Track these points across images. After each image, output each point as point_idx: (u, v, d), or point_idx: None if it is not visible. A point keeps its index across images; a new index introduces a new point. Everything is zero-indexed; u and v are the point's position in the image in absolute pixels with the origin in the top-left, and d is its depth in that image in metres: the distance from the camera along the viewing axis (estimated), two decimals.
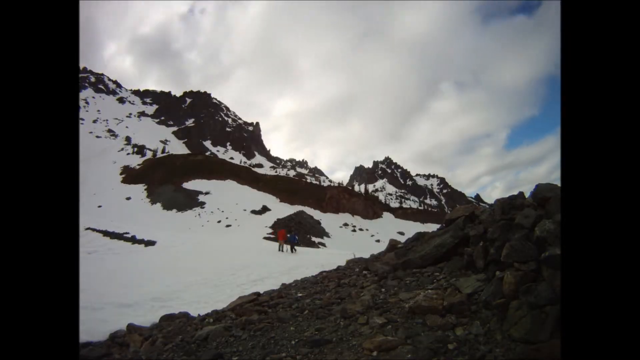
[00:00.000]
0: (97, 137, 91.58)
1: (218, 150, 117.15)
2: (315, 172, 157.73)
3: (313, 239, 41.96)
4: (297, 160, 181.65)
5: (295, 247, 19.32)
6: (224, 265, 13.11)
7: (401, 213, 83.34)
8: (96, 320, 6.10)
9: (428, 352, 2.75)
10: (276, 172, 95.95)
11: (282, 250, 18.59)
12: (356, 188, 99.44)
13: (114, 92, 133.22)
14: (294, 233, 21.91)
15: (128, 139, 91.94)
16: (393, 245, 7.11)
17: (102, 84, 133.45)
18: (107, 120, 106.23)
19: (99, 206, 49.47)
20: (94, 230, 21.29)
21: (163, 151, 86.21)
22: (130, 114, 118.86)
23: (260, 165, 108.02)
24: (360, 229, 59.84)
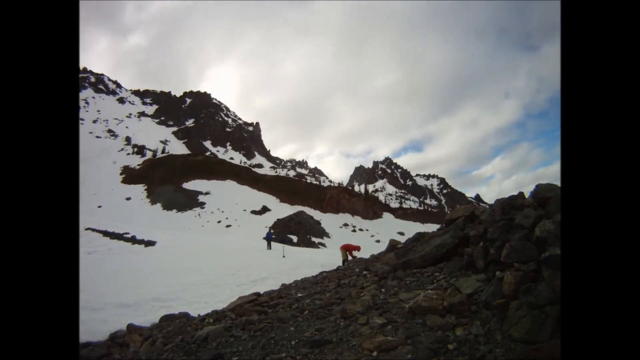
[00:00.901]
0: (97, 137, 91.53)
1: (218, 151, 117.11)
2: (315, 172, 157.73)
3: (313, 239, 41.96)
4: (297, 160, 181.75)
5: (271, 245, 19.91)
6: (224, 266, 13.11)
7: (401, 213, 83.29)
8: (96, 320, 6.10)
9: (428, 352, 2.75)
10: (276, 172, 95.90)
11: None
12: (356, 188, 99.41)
13: (114, 92, 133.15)
14: (271, 231, 22.39)
15: (128, 139, 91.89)
16: (393, 245, 7.12)
17: (102, 84, 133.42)
18: (107, 120, 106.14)
19: (99, 206, 49.51)
20: (94, 230, 21.24)
21: (163, 151, 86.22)
22: (130, 114, 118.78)
23: (260, 166, 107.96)
24: (360, 229, 59.81)
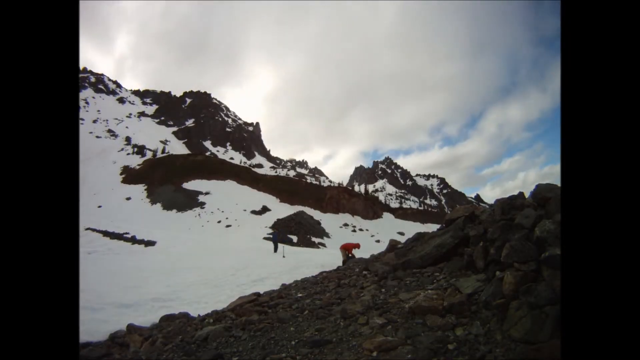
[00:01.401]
0: (97, 137, 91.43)
1: (218, 151, 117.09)
2: (315, 172, 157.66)
3: (313, 239, 41.94)
4: (297, 160, 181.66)
5: (277, 246, 19.61)
6: (224, 266, 13.12)
7: (401, 213, 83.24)
8: (96, 321, 6.10)
9: (428, 352, 2.74)
10: (276, 172, 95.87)
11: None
12: (356, 188, 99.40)
13: (114, 92, 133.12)
14: (275, 232, 22.08)
15: (128, 139, 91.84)
16: (393, 245, 7.12)
17: (102, 84, 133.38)
18: (107, 120, 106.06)
19: (99, 206, 49.45)
20: (94, 230, 21.27)
21: (163, 151, 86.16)
22: (130, 114, 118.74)
23: (260, 166, 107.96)
24: (360, 229, 59.78)
